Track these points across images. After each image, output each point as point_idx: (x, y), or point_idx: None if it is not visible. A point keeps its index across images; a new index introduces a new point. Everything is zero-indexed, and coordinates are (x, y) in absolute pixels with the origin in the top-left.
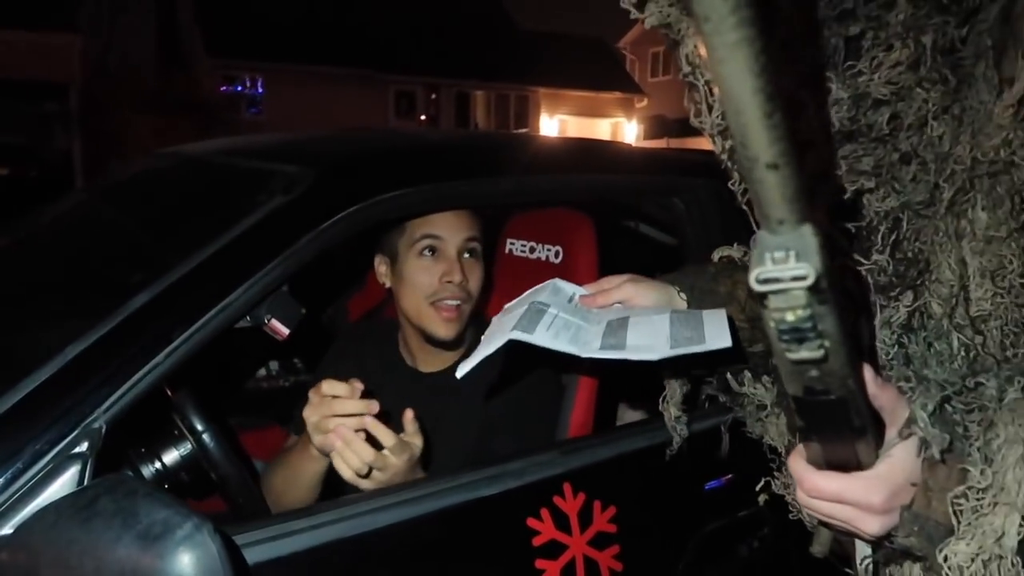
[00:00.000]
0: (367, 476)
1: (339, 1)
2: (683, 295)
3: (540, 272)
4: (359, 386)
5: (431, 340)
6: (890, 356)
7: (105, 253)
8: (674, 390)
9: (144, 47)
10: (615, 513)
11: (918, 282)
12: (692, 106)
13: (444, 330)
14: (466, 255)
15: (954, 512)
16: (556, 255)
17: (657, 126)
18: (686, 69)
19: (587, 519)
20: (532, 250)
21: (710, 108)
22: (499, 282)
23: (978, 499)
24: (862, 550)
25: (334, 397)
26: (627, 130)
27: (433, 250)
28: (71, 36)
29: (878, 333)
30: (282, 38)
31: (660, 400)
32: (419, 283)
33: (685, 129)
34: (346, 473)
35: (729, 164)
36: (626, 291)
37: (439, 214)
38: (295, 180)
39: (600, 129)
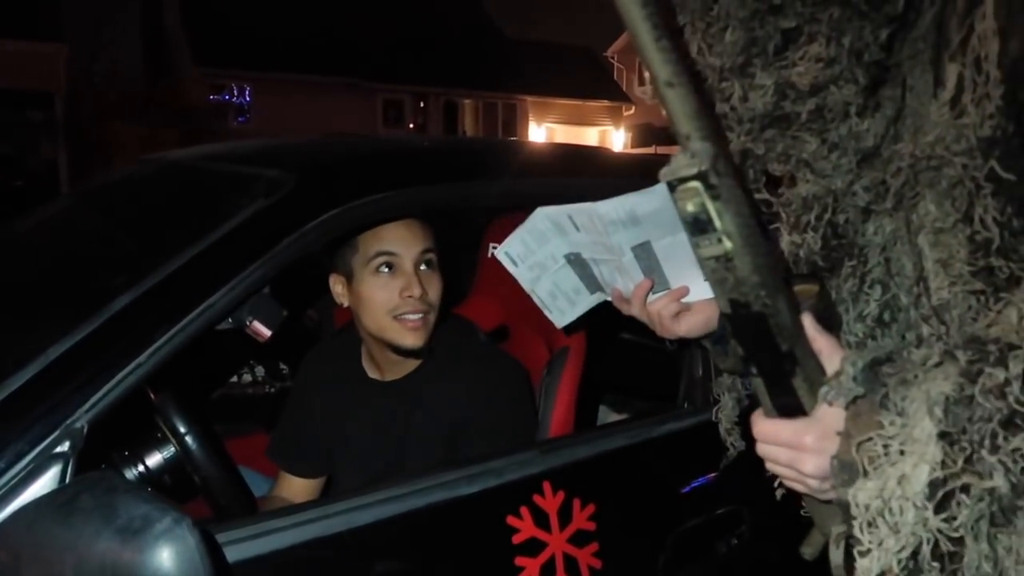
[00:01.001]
0: None
1: (326, 11)
2: None
3: None
4: None
5: (398, 350)
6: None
7: (89, 255)
8: (726, 403)
9: (131, 56)
10: (594, 511)
11: (851, 264)
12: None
13: (411, 339)
14: (423, 267)
15: (863, 455)
16: None
17: (645, 134)
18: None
19: (567, 517)
20: None
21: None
22: (482, 285)
23: (886, 445)
24: (836, 528)
25: None
26: (615, 138)
27: (390, 266)
28: (57, 45)
29: (852, 327)
30: (270, 47)
31: (713, 412)
32: (379, 300)
33: (672, 137)
34: None
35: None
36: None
37: (391, 229)
38: (277, 184)
39: (588, 137)
